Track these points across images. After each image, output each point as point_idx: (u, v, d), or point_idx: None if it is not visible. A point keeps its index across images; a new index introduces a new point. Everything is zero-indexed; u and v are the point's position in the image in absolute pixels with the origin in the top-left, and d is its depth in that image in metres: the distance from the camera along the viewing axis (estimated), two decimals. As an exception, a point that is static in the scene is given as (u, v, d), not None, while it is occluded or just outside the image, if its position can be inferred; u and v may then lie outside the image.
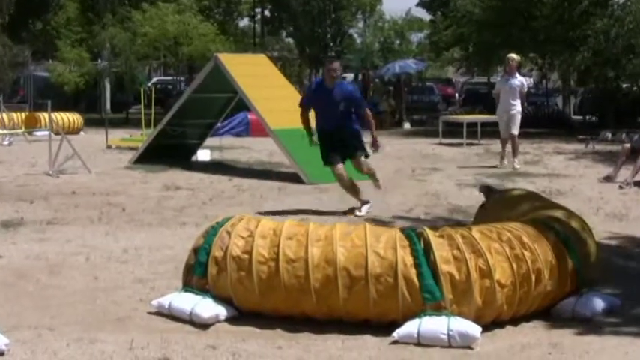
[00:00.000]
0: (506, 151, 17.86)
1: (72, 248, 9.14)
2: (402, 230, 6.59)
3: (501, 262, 6.27)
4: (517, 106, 17.61)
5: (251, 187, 14.45)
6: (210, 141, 20.26)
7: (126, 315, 6.63)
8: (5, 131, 25.08)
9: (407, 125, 33.16)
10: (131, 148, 21.07)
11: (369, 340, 6.07)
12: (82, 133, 28.27)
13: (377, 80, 40.80)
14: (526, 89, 18.82)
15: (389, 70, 36.96)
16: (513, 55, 18.33)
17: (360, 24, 51.92)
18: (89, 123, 31.14)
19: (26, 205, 12.27)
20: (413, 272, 6.14)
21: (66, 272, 8.06)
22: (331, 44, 46.81)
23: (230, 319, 6.41)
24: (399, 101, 34.95)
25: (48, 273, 8.00)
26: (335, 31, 48.46)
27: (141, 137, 23.10)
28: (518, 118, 17.66)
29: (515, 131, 17.56)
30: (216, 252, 6.49)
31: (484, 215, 8.26)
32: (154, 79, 45.71)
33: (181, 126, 18.42)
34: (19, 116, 29.06)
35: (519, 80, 17.81)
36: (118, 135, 25.11)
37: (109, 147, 22.73)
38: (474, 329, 5.99)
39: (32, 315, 6.54)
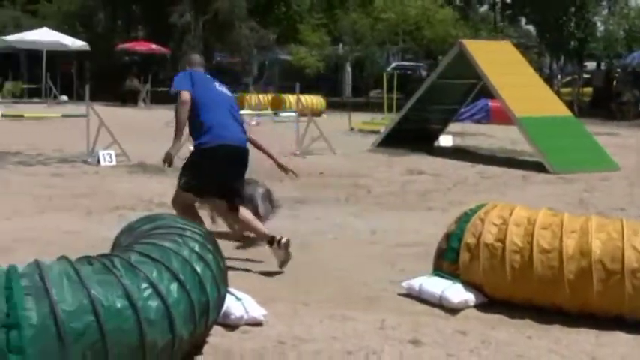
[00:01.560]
0: None
1: (322, 227, 9.35)
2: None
3: None
4: None
5: (494, 174, 14.32)
6: (451, 127, 20.19)
7: (375, 295, 6.69)
8: (253, 111, 25.94)
9: (652, 116, 31.94)
10: (373, 132, 21.30)
11: (622, 337, 5.87)
12: (323, 115, 28.77)
13: (620, 70, 39.45)
14: None
15: (634, 59, 35.68)
16: None
17: (605, 11, 50.27)
18: (331, 105, 31.63)
19: (276, 184, 12.60)
20: (673, 269, 5.92)
21: (316, 250, 8.24)
22: (575, 31, 45.49)
23: (479, 306, 6.35)
24: (644, 91, 33.69)
25: (300, 250, 8.15)
26: (578, 18, 47.09)
27: (382, 121, 23.28)
28: None
29: None
30: (469, 239, 6.46)
31: None
32: (393, 64, 45.82)
33: (424, 111, 18.48)
34: (265, 97, 29.96)
35: None
36: (359, 118, 25.38)
37: (351, 129, 23.05)
38: None
39: (287, 290, 6.71)
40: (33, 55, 43.89)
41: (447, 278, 6.52)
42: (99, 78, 37.15)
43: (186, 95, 7.42)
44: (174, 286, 4.66)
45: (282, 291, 6.66)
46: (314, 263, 7.70)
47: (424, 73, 43.68)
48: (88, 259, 4.75)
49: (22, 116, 21.59)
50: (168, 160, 7.65)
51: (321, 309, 6.22)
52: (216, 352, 5.20)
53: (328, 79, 45.80)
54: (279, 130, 22.10)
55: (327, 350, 5.31)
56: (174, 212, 7.96)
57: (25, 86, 41.37)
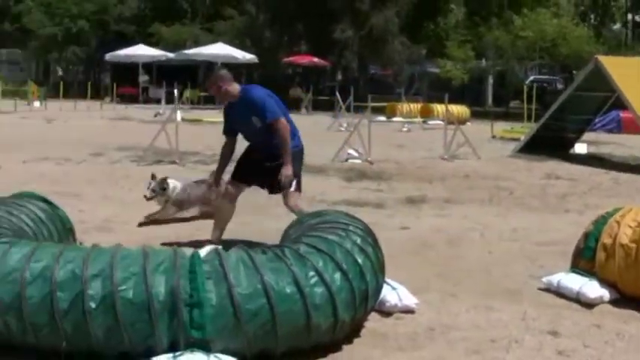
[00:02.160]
0: None
1: (468, 224, 9.25)
2: None
3: None
4: None
5: (627, 180, 13.90)
6: (586, 135, 19.75)
7: (517, 288, 6.57)
8: (404, 119, 25.94)
9: None
10: (513, 139, 21.03)
11: None
12: (468, 123, 28.54)
13: None
14: None
15: None
16: None
17: None
18: (474, 115, 31.36)
19: (426, 185, 12.61)
20: None
21: (463, 245, 8.16)
22: None
23: (613, 302, 6.15)
24: None
25: (448, 245, 8.14)
26: None
27: (521, 129, 22.99)
28: None
29: None
30: (605, 239, 6.29)
31: None
32: (531, 78, 45.16)
33: (561, 121, 18.16)
34: (415, 106, 29.90)
35: None
36: (500, 126, 25.08)
37: (493, 137, 22.80)
38: None
39: (436, 281, 6.67)
40: (209, 66, 45.06)
41: (583, 275, 6.36)
42: (266, 87, 37.64)
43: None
44: (337, 275, 4.69)
45: (433, 282, 6.62)
46: (461, 257, 7.63)
47: (560, 86, 42.92)
48: (261, 249, 4.83)
49: (200, 120, 22.17)
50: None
51: (467, 299, 6.16)
52: (373, 335, 5.21)
53: (472, 91, 45.41)
54: (427, 136, 22.05)
55: (472, 338, 5.24)
56: (335, 208, 8.05)
57: (202, 94, 42.47)
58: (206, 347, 4.29)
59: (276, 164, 7.44)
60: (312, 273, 4.61)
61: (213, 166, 14.26)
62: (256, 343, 4.41)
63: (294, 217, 6.74)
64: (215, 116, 28.75)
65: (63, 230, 6.13)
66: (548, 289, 6.47)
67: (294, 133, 7.64)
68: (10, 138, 19.04)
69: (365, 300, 4.90)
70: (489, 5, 48.00)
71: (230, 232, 8.01)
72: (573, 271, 6.50)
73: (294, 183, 7.52)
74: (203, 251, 4.84)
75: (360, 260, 4.89)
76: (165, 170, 13.44)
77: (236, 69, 43.87)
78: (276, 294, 4.43)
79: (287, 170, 7.39)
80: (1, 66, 58.46)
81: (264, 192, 10.62)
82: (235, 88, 7.62)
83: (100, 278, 4.38)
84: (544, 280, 6.59)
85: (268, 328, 4.41)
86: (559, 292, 6.38)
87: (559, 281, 6.45)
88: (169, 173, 10.14)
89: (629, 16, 55.10)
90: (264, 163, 7.55)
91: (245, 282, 4.43)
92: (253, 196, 10.97)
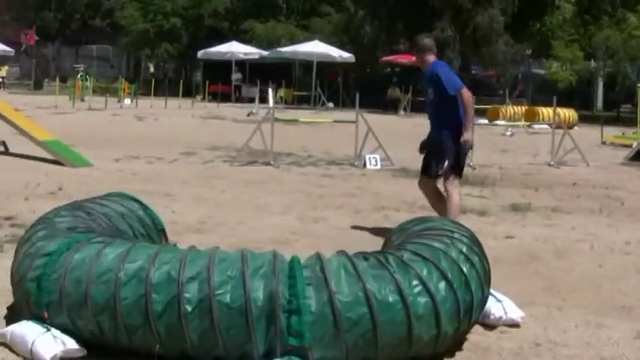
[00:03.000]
0: None
1: (576, 235, 9.09)
2: None
3: None
4: None
5: None
6: None
7: (630, 304, 6.41)
8: (508, 122, 25.69)
9: None
10: (624, 145, 20.62)
11: None
12: (575, 128, 28.07)
13: None
14: None
15: None
16: None
17: None
18: (582, 119, 30.85)
19: (531, 192, 12.45)
20: None
21: (572, 257, 8.02)
22: None
23: None
24: None
25: (555, 256, 8.01)
26: None
27: (634, 135, 22.53)
28: None
29: None
30: None
31: None
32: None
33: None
34: (519, 109, 29.60)
35: None
36: (610, 132, 24.60)
37: (603, 143, 22.41)
38: None
39: (543, 294, 6.56)
40: (304, 65, 45.35)
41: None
42: (363, 87, 37.77)
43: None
44: (442, 285, 4.66)
45: (539, 295, 6.52)
46: (569, 270, 7.50)
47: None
48: (363, 255, 4.84)
49: (296, 120, 22.33)
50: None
51: (575, 314, 6.04)
52: (476, 349, 5.15)
53: (580, 93, 44.64)
54: (532, 140, 21.79)
55: (581, 356, 5.15)
56: (435, 214, 8.01)
57: (296, 93, 42.78)
58: (304, 355, 4.31)
59: (432, 144, 8.56)
60: (415, 282, 4.59)
61: (308, 168, 14.58)
62: (355, 353, 4.41)
63: (392, 222, 6.74)
64: (311, 116, 28.98)
65: (155, 231, 6.24)
66: (653, 307, 6.31)
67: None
68: (101, 136, 19.50)
69: (469, 312, 4.86)
70: (601, 2, 47.10)
71: (328, 239, 8.05)
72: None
73: (446, 163, 8.43)
74: None
75: (465, 270, 4.85)
76: (259, 171, 13.60)
77: (332, 67, 44.09)
78: (379, 303, 4.42)
79: (467, 135, 8.37)
80: (91, 62, 59.94)
81: (364, 197, 10.67)
82: (430, 58, 8.80)
83: (196, 281, 4.44)
84: (660, 296, 6.45)
85: (369, 338, 4.40)
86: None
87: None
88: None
89: None
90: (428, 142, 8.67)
91: (346, 289, 4.43)
92: (352, 200, 11.05)
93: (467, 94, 8.45)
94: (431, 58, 8.77)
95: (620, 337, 5.57)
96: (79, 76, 42.87)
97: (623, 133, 24.62)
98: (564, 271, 7.44)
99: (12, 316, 5.27)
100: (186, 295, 4.40)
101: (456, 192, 8.62)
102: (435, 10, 41.90)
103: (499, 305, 5.62)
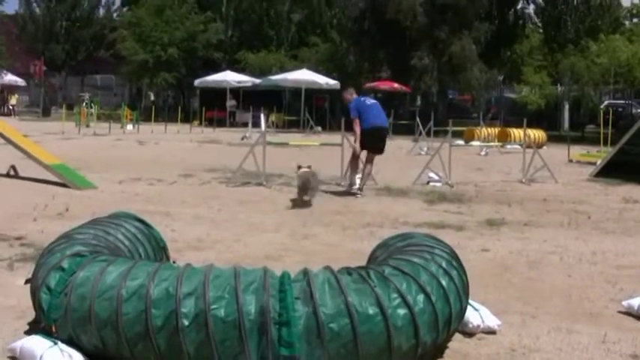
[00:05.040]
0: None
1: (547, 248, 9.08)
2: None
3: None
4: None
5: None
6: (664, 160, 19.26)
7: (597, 311, 6.41)
8: (482, 143, 25.72)
9: None
10: (589, 163, 20.67)
11: None
12: (544, 147, 28.13)
13: None
14: None
15: None
16: None
17: None
18: (550, 139, 30.93)
19: (505, 208, 12.44)
20: None
21: (543, 268, 8.00)
22: None
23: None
24: None
25: (528, 267, 7.99)
26: None
27: (598, 154, 22.58)
28: None
29: None
30: (688, 263, 6.11)
31: None
32: (605, 102, 44.49)
33: (639, 145, 17.72)
34: (493, 131, 29.65)
35: None
36: (576, 150, 24.68)
37: (570, 161, 22.45)
38: None
39: (517, 303, 6.54)
40: (293, 91, 45.45)
41: (661, 299, 6.19)
42: (348, 112, 37.75)
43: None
44: (420, 297, 4.64)
45: (514, 304, 6.50)
46: (541, 280, 7.49)
47: (634, 110, 42.29)
48: (347, 270, 4.82)
49: (286, 144, 22.31)
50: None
51: (547, 321, 6.04)
52: (456, 355, 5.14)
53: (548, 115, 44.82)
54: (505, 159, 21.82)
55: (553, 360, 5.14)
56: (417, 230, 7.99)
57: (286, 118, 42.80)
58: (294, 364, 4.29)
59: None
60: (394, 295, 4.57)
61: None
62: (338, 362, 4.39)
63: (377, 238, 6.73)
64: (300, 140, 28.97)
65: (157, 248, 6.23)
66: (629, 313, 6.29)
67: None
68: (105, 159, 19.44)
69: (448, 322, 4.83)
70: (566, 32, 47.48)
71: (317, 254, 8.02)
72: (654, 295, 6.32)
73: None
74: None
75: (444, 283, 4.83)
76: (253, 191, 13.58)
77: (319, 93, 44.21)
78: (359, 315, 4.41)
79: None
80: (96, 91, 59.91)
81: (350, 214, 10.69)
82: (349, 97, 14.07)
83: (193, 297, 4.42)
84: (624, 303, 6.42)
85: (350, 348, 4.38)
86: (639, 316, 6.20)
87: (639, 304, 6.28)
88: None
89: None
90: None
91: (330, 302, 4.43)
92: (339, 218, 11.03)
93: (355, 121, 13.49)
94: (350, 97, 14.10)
95: (589, 342, 5.57)
96: (84, 103, 42.85)
97: (587, 152, 24.68)
98: (536, 281, 7.43)
99: (24, 331, 5.24)
100: (184, 310, 4.38)
101: (370, 165, 13.76)
102: (413, 40, 42.09)
103: (477, 314, 5.60)
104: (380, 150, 13.80)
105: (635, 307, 6.28)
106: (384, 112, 14.08)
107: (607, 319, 6.20)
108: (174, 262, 5.85)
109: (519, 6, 50.09)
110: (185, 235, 9.14)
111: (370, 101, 14.22)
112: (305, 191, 12.19)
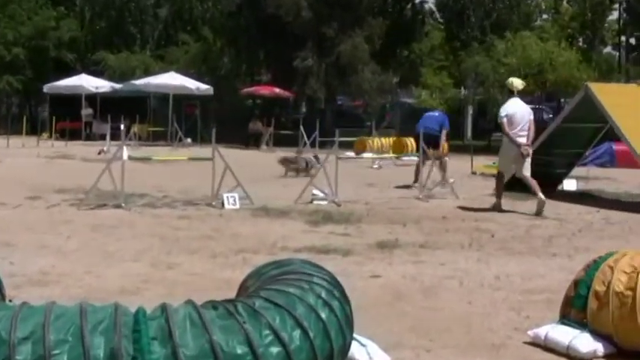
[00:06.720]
0: None
1: (445, 272, 9.23)
2: None
3: None
4: None
5: (620, 219, 14.00)
6: (575, 170, 19.91)
7: (501, 342, 6.53)
8: (375, 155, 26.04)
9: None
10: (494, 175, 21.08)
11: None
12: (446, 158, 28.59)
13: None
14: None
15: None
16: None
17: None
18: (451, 149, 31.48)
19: (399, 227, 12.61)
20: None
21: (441, 295, 8.14)
22: None
23: (608, 356, 6.12)
24: None
25: (423, 295, 8.11)
26: None
27: (504, 165, 23.07)
28: None
29: None
30: (598, 286, 6.25)
31: None
32: (515, 107, 45.47)
33: (549, 155, 18.22)
34: (387, 141, 30.05)
35: None
36: (480, 161, 25.22)
37: (473, 173, 22.93)
38: None
39: (411, 335, 6.62)
40: (159, 98, 45.07)
41: (574, 327, 6.32)
42: (222, 121, 37.75)
43: None
44: (296, 333, 4.63)
45: (406, 337, 6.57)
46: (438, 308, 7.61)
47: (547, 116, 43.36)
48: (213, 304, 4.78)
49: (149, 159, 22.10)
50: None
51: (444, 355, 6.13)
52: (340, 398, 5.15)
53: (450, 122, 45.62)
54: (401, 173, 22.12)
55: (450, 399, 5.22)
56: (298, 255, 8.01)
57: (151, 129, 42.41)
58: (150, 415, 4.23)
59: None
60: (267, 331, 4.55)
61: (163, 210, 14.41)
62: (201, 410, 4.36)
63: (251, 266, 6.71)
64: (166, 154, 28.74)
65: (-11, 287, 6.03)
66: (536, 343, 6.44)
67: None
68: None
69: (329, 360, 4.84)
70: (469, 28, 48.41)
71: (182, 285, 7.95)
72: (563, 323, 6.46)
73: None
74: None
75: (324, 316, 4.82)
76: (109, 214, 13.39)
77: (189, 100, 43.94)
78: (226, 355, 4.37)
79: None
80: None
81: (221, 239, 10.67)
82: None
83: (29, 341, 4.28)
84: (530, 333, 6.57)
85: (217, 392, 4.36)
86: (547, 346, 6.35)
87: (547, 334, 6.42)
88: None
89: (622, 38, 55.81)
90: None
91: (191, 342, 4.38)
92: (209, 243, 10.97)
93: None
94: None
95: (490, 378, 5.68)
96: None
97: (493, 163, 25.15)
98: (433, 310, 7.53)
99: None
100: (18, 357, 4.23)
101: None
102: (297, 38, 42.22)
103: (363, 350, 5.63)
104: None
105: (543, 337, 6.43)
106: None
107: (511, 351, 6.33)
108: (10, 301, 5.68)
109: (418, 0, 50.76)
110: (26, 269, 8.92)
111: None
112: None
